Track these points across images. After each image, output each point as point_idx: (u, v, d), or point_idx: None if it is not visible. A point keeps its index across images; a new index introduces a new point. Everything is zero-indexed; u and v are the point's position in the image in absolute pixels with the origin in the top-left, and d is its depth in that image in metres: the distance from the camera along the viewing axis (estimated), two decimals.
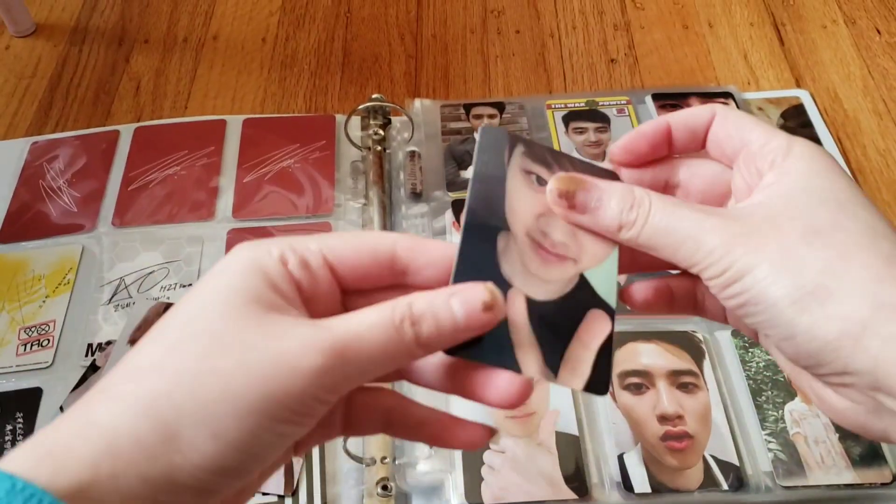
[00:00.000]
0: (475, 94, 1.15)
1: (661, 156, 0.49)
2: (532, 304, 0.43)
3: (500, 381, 0.40)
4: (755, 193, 0.44)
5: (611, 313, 0.45)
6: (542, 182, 0.46)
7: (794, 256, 0.40)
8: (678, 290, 0.50)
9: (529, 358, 0.42)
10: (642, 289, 0.49)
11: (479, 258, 0.43)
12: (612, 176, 0.48)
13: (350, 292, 0.42)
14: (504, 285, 0.42)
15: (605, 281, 0.46)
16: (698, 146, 0.48)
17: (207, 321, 0.36)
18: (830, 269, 0.39)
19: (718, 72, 1.17)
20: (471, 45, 1.24)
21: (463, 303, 0.38)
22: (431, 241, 0.42)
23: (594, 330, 0.44)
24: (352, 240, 0.41)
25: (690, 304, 0.50)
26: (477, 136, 0.43)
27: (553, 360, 0.42)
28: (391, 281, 0.42)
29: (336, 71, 1.21)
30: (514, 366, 0.41)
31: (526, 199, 0.45)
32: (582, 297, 0.45)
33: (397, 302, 0.38)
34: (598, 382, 0.43)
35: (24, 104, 1.17)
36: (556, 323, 0.43)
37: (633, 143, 0.48)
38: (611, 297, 0.45)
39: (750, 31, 1.23)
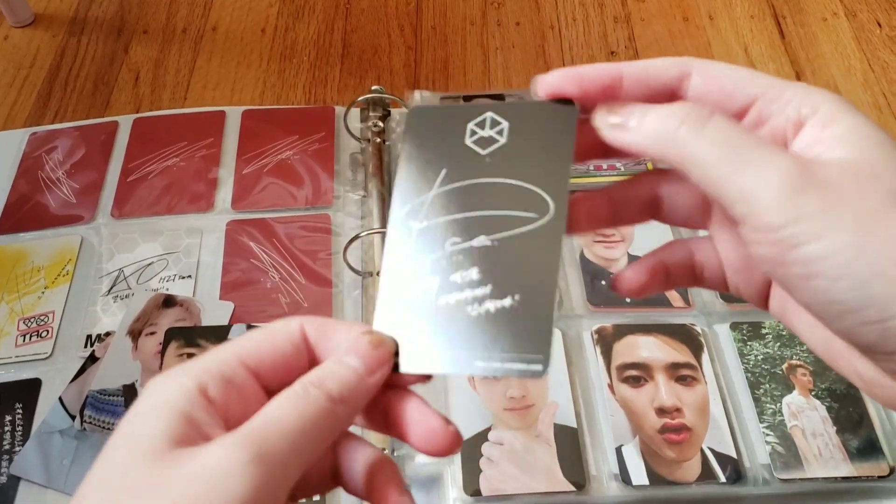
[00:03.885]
0: (475, 86, 1.16)
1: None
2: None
3: (427, 428, 0.39)
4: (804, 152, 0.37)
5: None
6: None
7: (885, 222, 0.33)
8: (673, 263, 0.46)
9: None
10: (635, 273, 0.46)
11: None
12: None
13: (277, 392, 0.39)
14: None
15: None
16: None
17: (121, 475, 0.33)
18: None
19: None
20: (471, 36, 1.24)
21: (352, 349, 0.38)
22: (336, 323, 0.41)
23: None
24: (267, 335, 0.39)
25: (688, 276, 0.46)
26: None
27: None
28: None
29: (335, 62, 1.21)
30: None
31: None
32: None
33: (300, 377, 0.37)
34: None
35: (23, 94, 1.17)
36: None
37: (563, 83, 0.41)
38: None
39: (750, 24, 1.23)
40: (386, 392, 0.40)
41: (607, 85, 0.40)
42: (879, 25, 1.23)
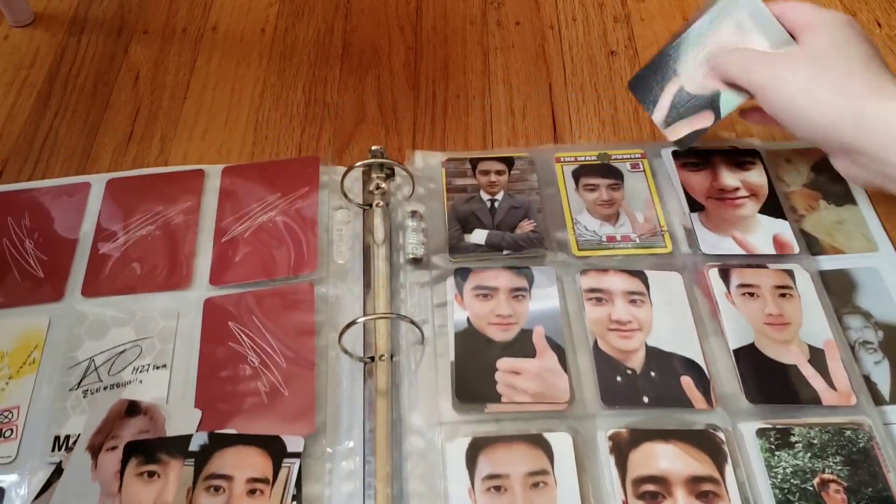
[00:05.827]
0: (474, 87, 0.91)
1: None
2: (681, 89, 0.69)
3: None
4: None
5: (717, 118, 0.68)
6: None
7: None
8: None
9: (659, 111, 0.71)
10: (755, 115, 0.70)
11: (674, 54, 0.69)
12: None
13: None
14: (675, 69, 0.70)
15: (727, 104, 0.67)
16: None
17: None
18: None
19: None
20: (470, 36, 0.98)
21: None
22: None
23: (702, 117, 0.69)
24: None
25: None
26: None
27: (670, 120, 0.70)
28: None
29: (335, 62, 0.96)
30: (652, 103, 0.71)
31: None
32: (709, 102, 0.68)
33: None
34: (684, 142, 0.70)
35: (23, 95, 0.94)
36: (686, 103, 0.69)
37: None
38: (721, 113, 0.68)
39: None
40: None
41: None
42: (879, 25, 0.97)
